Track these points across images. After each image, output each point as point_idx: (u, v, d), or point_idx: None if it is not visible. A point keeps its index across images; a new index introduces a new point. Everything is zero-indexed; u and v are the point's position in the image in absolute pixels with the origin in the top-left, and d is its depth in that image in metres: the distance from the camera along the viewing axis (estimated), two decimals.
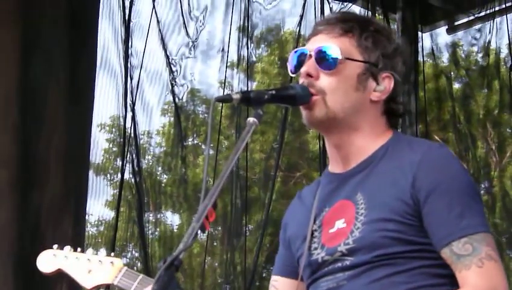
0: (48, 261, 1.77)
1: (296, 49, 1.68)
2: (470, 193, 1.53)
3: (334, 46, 1.60)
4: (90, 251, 1.74)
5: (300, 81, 1.64)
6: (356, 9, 4.87)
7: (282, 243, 1.75)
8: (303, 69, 1.62)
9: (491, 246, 1.48)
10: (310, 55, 1.62)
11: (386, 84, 1.63)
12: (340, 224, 1.57)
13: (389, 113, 1.66)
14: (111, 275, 1.69)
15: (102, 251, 1.74)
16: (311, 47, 1.64)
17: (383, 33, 1.66)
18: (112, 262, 1.70)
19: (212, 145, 4.72)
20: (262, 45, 6.59)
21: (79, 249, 1.75)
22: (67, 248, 1.76)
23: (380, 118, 1.65)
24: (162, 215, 5.20)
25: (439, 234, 1.49)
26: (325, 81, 1.60)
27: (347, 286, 1.53)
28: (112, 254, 1.74)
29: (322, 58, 1.61)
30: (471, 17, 4.98)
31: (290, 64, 1.67)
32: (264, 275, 5.20)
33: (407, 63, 1.79)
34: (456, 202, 1.50)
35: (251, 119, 1.49)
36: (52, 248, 1.78)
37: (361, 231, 1.53)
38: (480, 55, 5.11)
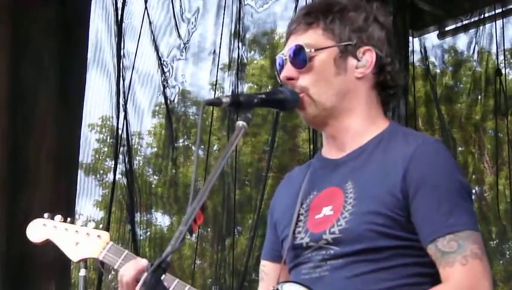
0: (38, 230, 1.76)
1: (276, 57, 1.68)
2: (460, 190, 1.52)
3: (301, 44, 1.61)
4: (79, 221, 1.72)
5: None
6: None
7: (269, 227, 1.74)
8: (282, 75, 1.63)
9: (477, 244, 1.48)
10: (286, 60, 1.64)
11: (368, 57, 1.60)
12: (327, 211, 1.56)
13: (380, 87, 1.63)
14: (97, 249, 1.68)
15: (92, 223, 1.73)
16: (285, 52, 1.65)
17: (349, 8, 1.63)
18: (99, 235, 1.69)
19: (203, 146, 4.73)
20: (254, 48, 6.61)
21: (69, 219, 1.74)
22: (58, 217, 1.75)
23: (372, 93, 1.62)
24: (151, 216, 5.19)
25: (425, 230, 1.49)
26: (304, 79, 1.61)
27: (329, 278, 1.52)
28: (101, 226, 1.73)
29: (295, 59, 1.62)
30: (461, 23, 5.02)
31: (277, 73, 1.68)
32: (253, 276, 5.20)
33: (389, 26, 1.73)
34: (445, 198, 1.49)
35: (240, 123, 1.50)
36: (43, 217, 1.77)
37: (348, 222, 1.52)
38: (469, 60, 5.15)
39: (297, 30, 1.64)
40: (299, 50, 1.61)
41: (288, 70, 1.62)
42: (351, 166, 1.58)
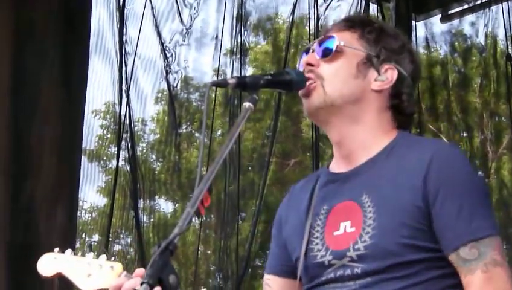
0: (49, 264, 1.78)
1: (304, 50, 1.71)
2: (480, 195, 1.51)
3: (334, 36, 1.64)
4: (90, 255, 1.74)
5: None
6: None
7: (275, 241, 1.71)
8: (303, 60, 1.64)
9: (497, 250, 1.46)
10: (313, 50, 1.66)
11: (388, 75, 1.62)
12: (347, 227, 1.53)
13: (395, 110, 1.63)
14: (110, 280, 1.69)
15: (103, 256, 1.75)
16: (314, 45, 1.68)
17: (388, 32, 1.67)
18: (111, 266, 1.70)
19: (205, 132, 4.71)
20: (257, 33, 6.58)
21: (80, 253, 1.76)
22: (68, 251, 1.78)
23: (385, 113, 1.62)
24: (155, 203, 5.19)
25: (447, 237, 1.47)
26: (324, 68, 1.62)
27: None
28: (112, 258, 1.75)
29: (321, 48, 1.64)
30: (466, 6, 4.98)
31: (300, 65, 1.69)
32: (256, 262, 5.21)
33: (418, 65, 1.70)
34: (466, 204, 1.48)
35: (246, 104, 1.49)
36: (52, 250, 1.79)
37: (373, 237, 1.48)
38: (475, 44, 5.10)
39: (333, 30, 1.67)
40: (330, 41, 1.63)
41: (311, 57, 1.64)
42: (364, 178, 1.56)
